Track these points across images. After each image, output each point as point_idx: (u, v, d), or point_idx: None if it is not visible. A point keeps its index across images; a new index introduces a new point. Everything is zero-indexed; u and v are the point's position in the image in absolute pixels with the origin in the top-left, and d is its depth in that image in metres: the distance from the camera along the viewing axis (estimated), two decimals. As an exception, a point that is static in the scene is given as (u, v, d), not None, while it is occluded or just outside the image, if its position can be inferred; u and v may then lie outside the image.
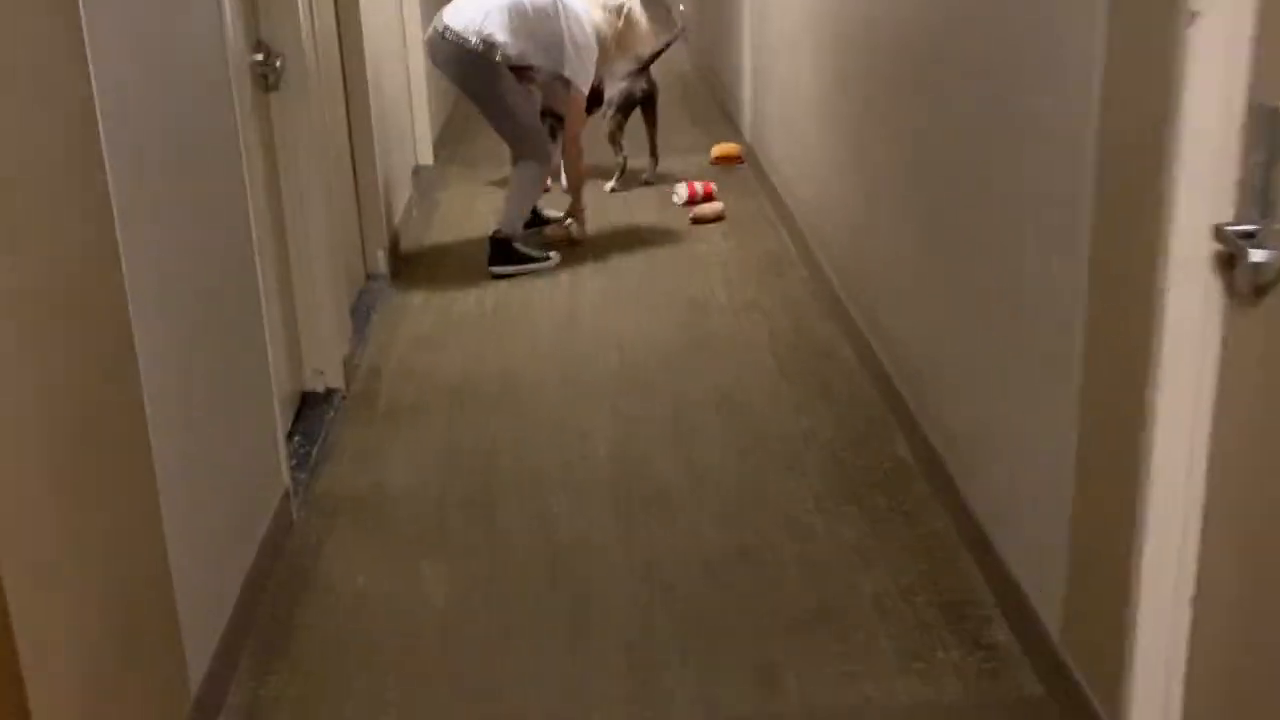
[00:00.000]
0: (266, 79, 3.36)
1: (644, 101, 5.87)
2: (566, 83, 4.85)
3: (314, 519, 3.09)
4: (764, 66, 5.84)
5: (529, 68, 4.81)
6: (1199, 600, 1.93)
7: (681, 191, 5.62)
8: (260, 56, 3.29)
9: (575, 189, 5.19)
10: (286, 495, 3.02)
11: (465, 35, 4.63)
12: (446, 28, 4.69)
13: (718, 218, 5.41)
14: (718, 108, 7.48)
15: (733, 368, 3.91)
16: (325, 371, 3.72)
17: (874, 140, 3.70)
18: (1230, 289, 1.78)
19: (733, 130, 6.74)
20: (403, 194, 5.42)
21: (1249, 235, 1.70)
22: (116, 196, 1.99)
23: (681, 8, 9.08)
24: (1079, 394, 2.20)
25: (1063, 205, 2.21)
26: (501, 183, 5.76)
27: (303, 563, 2.90)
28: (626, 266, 4.89)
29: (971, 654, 2.51)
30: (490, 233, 4.85)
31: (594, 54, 4.83)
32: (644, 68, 5.84)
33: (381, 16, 5.11)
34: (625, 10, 4.95)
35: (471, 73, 4.74)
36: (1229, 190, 1.75)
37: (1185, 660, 1.98)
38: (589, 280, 4.75)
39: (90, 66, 1.91)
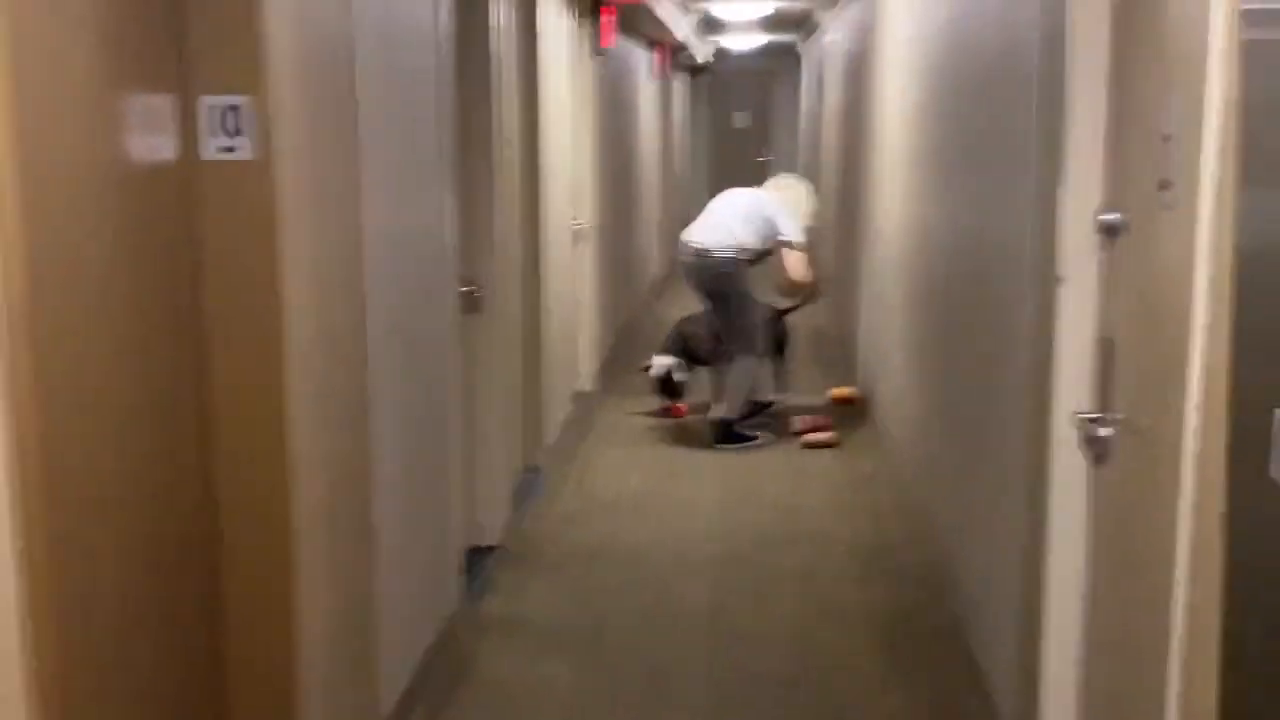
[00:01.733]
0: (469, 304, 4.54)
1: (779, 344, 6.97)
2: (786, 245, 6.36)
3: (474, 631, 4.07)
4: (874, 320, 6.89)
5: (755, 257, 6.37)
6: (1089, 702, 2.74)
7: (797, 422, 6.61)
8: (467, 288, 4.48)
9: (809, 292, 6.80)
10: (455, 610, 4.01)
11: (723, 248, 6.24)
12: (704, 248, 6.30)
13: (828, 444, 6.37)
14: (843, 358, 8.53)
15: (813, 554, 4.80)
16: (490, 530, 4.76)
17: (931, 370, 4.68)
18: (1090, 455, 2.68)
19: (852, 376, 7.76)
20: (563, 410, 6.54)
21: (1095, 419, 2.61)
22: (374, 394, 3.10)
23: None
24: (1024, 561, 3.05)
25: (1014, 414, 3.14)
26: (643, 413, 6.89)
27: (463, 656, 3.87)
28: (744, 476, 5.87)
29: (956, 751, 3.30)
30: (711, 417, 6.39)
31: (799, 218, 6.41)
32: (780, 316, 6.96)
33: (561, 264, 6.36)
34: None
35: (726, 277, 6.29)
36: (1088, 391, 2.67)
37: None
38: (708, 483, 5.74)
39: (367, 306, 3.06)
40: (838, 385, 7.53)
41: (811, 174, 12.39)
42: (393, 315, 3.29)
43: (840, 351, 8.80)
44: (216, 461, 2.49)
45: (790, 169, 17.46)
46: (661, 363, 6.84)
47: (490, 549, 4.75)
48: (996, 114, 3.63)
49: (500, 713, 3.52)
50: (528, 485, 5.58)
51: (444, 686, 3.66)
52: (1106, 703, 2.58)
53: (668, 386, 6.87)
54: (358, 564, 3.04)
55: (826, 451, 6.31)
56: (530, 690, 3.66)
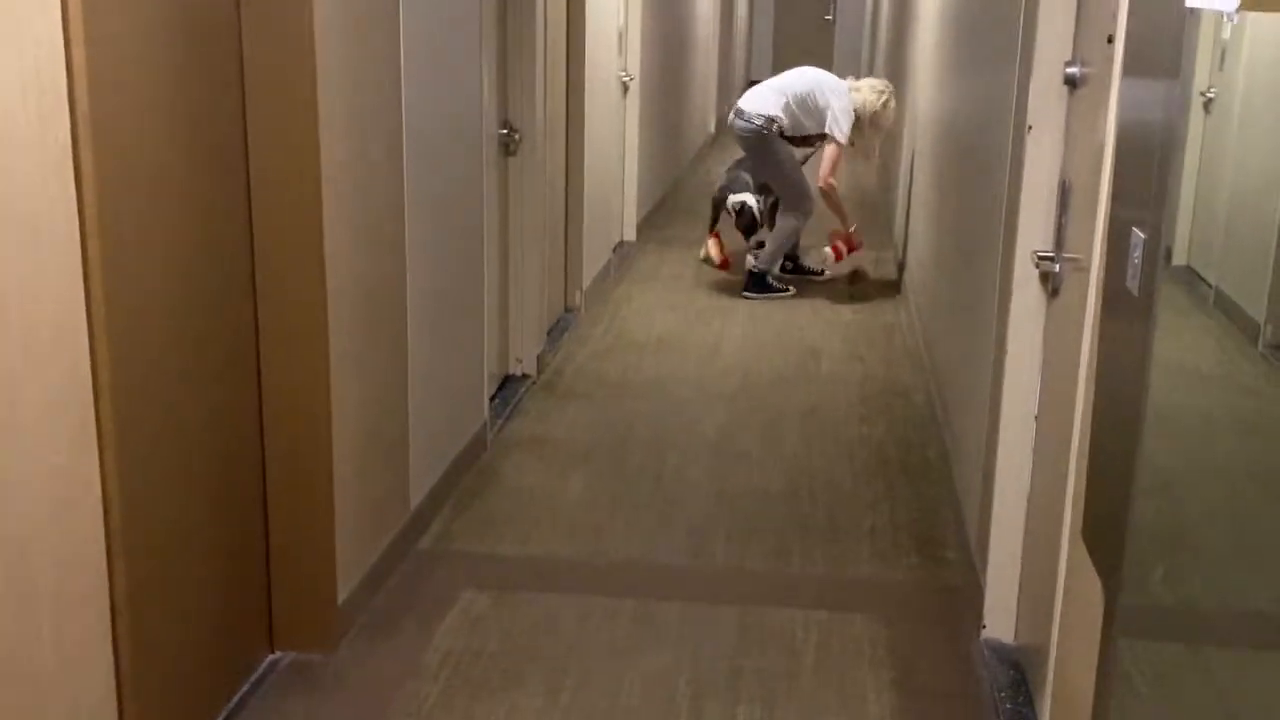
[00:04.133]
0: (508, 147, 4.82)
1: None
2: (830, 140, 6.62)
3: (502, 447, 4.45)
4: (912, 190, 7.09)
5: (806, 136, 6.67)
6: (1030, 509, 3.05)
7: (829, 253, 6.89)
8: (505, 130, 4.76)
9: (840, 211, 6.88)
10: (484, 426, 4.39)
11: (752, 115, 6.57)
12: (739, 109, 6.65)
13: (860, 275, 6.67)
14: (887, 224, 8.73)
15: (825, 393, 5.12)
16: (523, 361, 5.12)
17: (940, 227, 4.91)
18: (1047, 290, 2.94)
19: (889, 239, 7.97)
20: (602, 256, 6.85)
21: (1050, 258, 2.86)
22: (408, 217, 3.42)
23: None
24: (990, 389, 3.34)
25: (991, 274, 3.39)
26: (678, 275, 7.15)
27: (491, 466, 4.26)
28: (769, 323, 6.17)
29: (924, 561, 3.65)
30: (748, 267, 6.68)
31: (851, 118, 6.54)
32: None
33: (606, 114, 6.59)
34: (885, 101, 6.64)
35: (750, 141, 6.69)
36: (1049, 232, 2.92)
37: (1020, 554, 3.09)
38: (735, 327, 6.05)
39: (404, 134, 3.36)
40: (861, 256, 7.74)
41: (870, 54, 12.34)
42: (428, 146, 3.59)
43: (884, 218, 9.00)
44: (259, 257, 2.84)
45: (856, 31, 17.35)
46: (737, 199, 7.00)
47: (523, 378, 5.12)
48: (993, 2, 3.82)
49: (519, 511, 3.91)
50: (563, 324, 5.93)
51: (470, 489, 4.06)
52: (1040, 509, 2.89)
53: (750, 220, 6.97)
54: (391, 367, 3.40)
55: (851, 304, 6.58)
56: (548, 494, 4.05)
